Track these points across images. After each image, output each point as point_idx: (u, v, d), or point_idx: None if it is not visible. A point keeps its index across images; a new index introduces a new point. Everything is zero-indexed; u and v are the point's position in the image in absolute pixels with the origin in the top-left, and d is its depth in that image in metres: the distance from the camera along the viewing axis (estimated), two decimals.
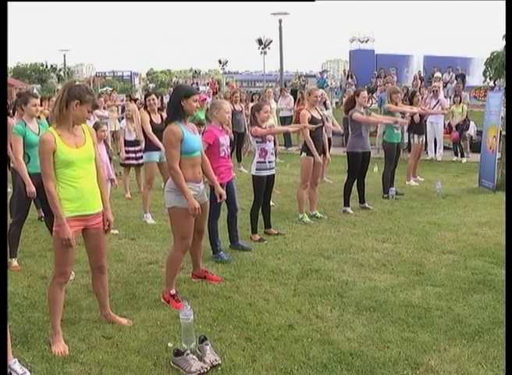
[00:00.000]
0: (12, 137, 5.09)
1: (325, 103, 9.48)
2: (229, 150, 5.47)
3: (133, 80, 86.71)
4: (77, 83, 3.56)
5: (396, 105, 8.34)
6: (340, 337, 3.66)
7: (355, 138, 7.36)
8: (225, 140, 5.35)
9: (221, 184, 5.15)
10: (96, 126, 6.95)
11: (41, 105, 11.65)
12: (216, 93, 22.22)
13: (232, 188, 5.53)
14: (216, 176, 5.16)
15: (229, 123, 5.60)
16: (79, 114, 3.46)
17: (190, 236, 4.26)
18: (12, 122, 5.76)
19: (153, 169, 6.96)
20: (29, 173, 5.04)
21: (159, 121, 6.98)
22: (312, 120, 6.62)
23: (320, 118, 6.78)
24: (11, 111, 7.05)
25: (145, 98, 7.28)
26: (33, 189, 4.99)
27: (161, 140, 5.22)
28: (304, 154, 6.73)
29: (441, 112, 11.35)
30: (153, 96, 7.18)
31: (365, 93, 7.60)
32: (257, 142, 6.03)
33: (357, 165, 7.38)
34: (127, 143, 8.41)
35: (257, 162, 5.99)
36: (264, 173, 6.00)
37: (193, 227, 4.31)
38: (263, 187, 6.04)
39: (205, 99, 11.40)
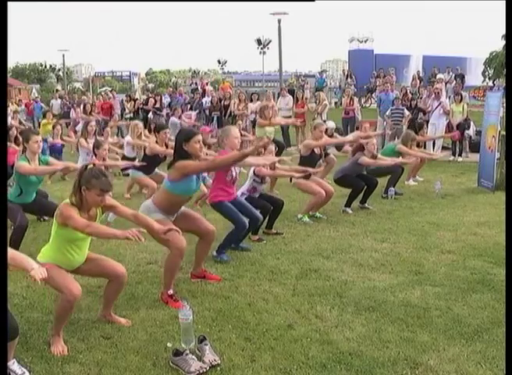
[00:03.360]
0: (19, 164, 5.22)
1: (332, 135, 9.50)
2: (235, 178, 5.44)
3: (132, 80, 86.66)
4: (89, 166, 3.60)
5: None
6: (339, 337, 3.66)
7: (347, 170, 7.47)
8: (235, 168, 5.39)
9: (212, 204, 5.33)
10: (98, 145, 7.10)
11: (44, 118, 11.79)
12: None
13: (240, 202, 5.48)
14: (211, 194, 5.34)
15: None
16: (89, 199, 3.53)
17: (181, 241, 4.17)
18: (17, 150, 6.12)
19: (145, 179, 7.13)
20: (19, 203, 5.23)
21: (163, 155, 7.33)
22: (311, 155, 6.91)
23: (319, 153, 7.05)
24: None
25: (158, 131, 7.35)
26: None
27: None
28: (294, 180, 6.78)
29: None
30: (168, 131, 7.45)
31: (374, 140, 7.72)
32: (254, 181, 6.02)
33: (352, 179, 7.39)
34: (127, 159, 8.35)
35: (242, 194, 5.90)
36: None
37: (175, 235, 4.06)
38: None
39: (211, 131, 11.35)
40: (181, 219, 4.40)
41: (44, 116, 12.03)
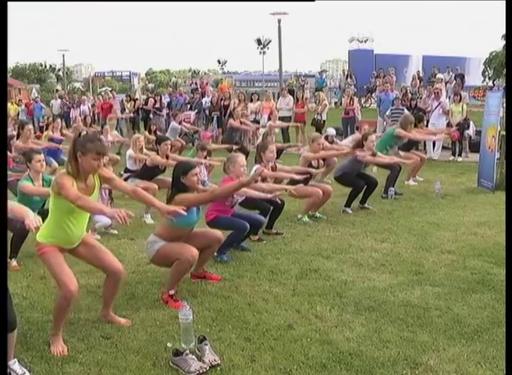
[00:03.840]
0: (23, 184, 5.24)
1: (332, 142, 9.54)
2: (235, 203, 5.48)
3: (132, 80, 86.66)
4: (83, 132, 3.57)
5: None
6: (339, 337, 3.66)
7: (346, 168, 7.45)
8: (238, 196, 5.41)
9: (209, 222, 5.29)
10: None
11: (47, 129, 11.77)
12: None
13: (239, 214, 5.51)
14: (207, 213, 5.32)
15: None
16: (85, 165, 3.47)
17: (188, 252, 4.19)
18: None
19: (145, 182, 7.23)
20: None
21: (162, 166, 7.40)
22: (309, 167, 6.89)
23: (316, 166, 7.08)
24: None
25: (159, 143, 7.40)
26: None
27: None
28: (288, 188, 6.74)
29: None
30: (169, 142, 7.51)
31: (373, 137, 7.66)
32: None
33: (352, 178, 7.39)
34: (129, 172, 8.30)
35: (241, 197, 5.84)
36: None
37: (185, 246, 4.26)
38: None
39: (211, 136, 11.62)
40: (187, 242, 4.39)
41: (47, 128, 11.99)
